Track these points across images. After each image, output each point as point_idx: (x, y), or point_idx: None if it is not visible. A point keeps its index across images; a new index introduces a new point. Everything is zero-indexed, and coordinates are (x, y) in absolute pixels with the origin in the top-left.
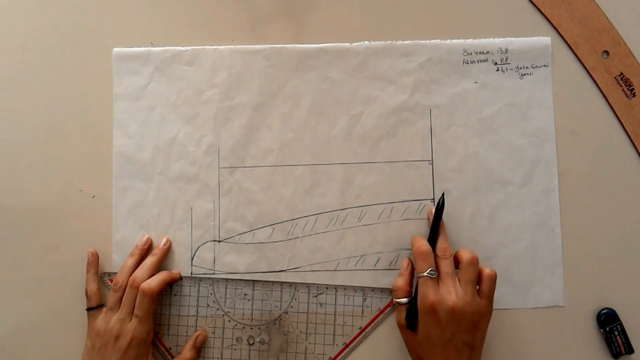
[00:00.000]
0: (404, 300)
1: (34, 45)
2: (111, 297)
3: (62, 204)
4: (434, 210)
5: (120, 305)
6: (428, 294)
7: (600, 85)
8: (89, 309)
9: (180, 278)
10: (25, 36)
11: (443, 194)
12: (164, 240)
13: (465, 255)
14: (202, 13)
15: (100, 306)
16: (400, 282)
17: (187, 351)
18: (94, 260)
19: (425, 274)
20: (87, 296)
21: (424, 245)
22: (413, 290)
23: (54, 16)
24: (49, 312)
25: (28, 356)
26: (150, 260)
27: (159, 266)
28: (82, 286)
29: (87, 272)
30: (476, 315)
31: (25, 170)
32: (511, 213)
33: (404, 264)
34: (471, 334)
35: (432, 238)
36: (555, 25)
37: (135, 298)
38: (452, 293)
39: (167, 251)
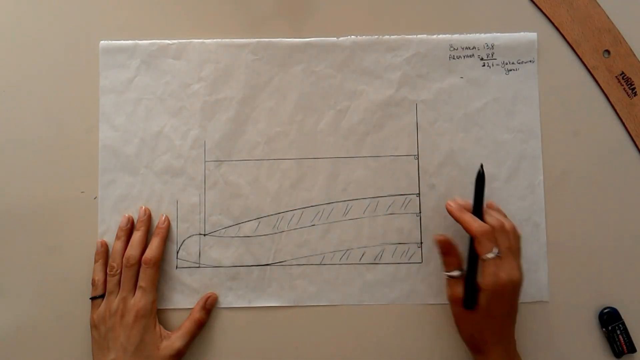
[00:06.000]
0: (457, 273)
1: (24, 40)
2: (109, 282)
3: (63, 206)
4: (474, 184)
5: (119, 288)
6: (499, 273)
7: (601, 85)
8: (93, 298)
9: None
10: (10, 30)
11: (481, 165)
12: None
13: (503, 223)
14: (190, 6)
15: (104, 295)
16: (451, 254)
17: (197, 312)
18: (104, 251)
19: (492, 254)
20: (93, 285)
21: (484, 225)
22: (465, 266)
23: (40, 8)
24: (52, 313)
25: (30, 357)
26: (137, 235)
27: (147, 236)
28: (85, 287)
29: (95, 262)
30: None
31: (26, 172)
32: None
33: (442, 238)
34: (518, 297)
35: (477, 211)
36: (556, 24)
37: (134, 276)
38: (515, 269)
39: (149, 221)
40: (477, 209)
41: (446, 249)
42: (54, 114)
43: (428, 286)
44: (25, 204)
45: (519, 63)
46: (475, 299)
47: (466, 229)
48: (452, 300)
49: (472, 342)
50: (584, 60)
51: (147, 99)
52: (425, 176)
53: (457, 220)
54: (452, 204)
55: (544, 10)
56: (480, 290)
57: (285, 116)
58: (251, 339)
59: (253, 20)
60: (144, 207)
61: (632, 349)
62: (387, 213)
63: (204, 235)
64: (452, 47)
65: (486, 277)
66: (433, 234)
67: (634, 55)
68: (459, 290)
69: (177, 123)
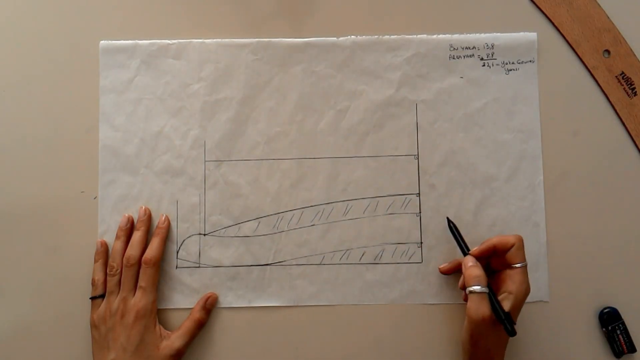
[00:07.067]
0: (485, 289)
1: (24, 40)
2: (109, 282)
3: (63, 206)
4: (452, 234)
5: (119, 288)
6: (528, 281)
7: (601, 84)
8: (93, 298)
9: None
10: (10, 30)
11: (447, 218)
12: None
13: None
14: (190, 6)
15: (104, 295)
16: (479, 270)
17: (197, 312)
18: (104, 251)
19: (525, 262)
20: (93, 285)
21: (517, 235)
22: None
23: (40, 8)
24: (52, 313)
25: (30, 357)
26: (137, 235)
27: (147, 236)
28: (85, 287)
29: (95, 261)
30: None
31: (26, 172)
32: (496, 208)
33: (445, 266)
34: None
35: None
36: (556, 24)
37: (134, 275)
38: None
39: (149, 221)
40: (466, 251)
41: (455, 269)
42: (54, 114)
43: (428, 286)
44: (25, 204)
45: (519, 63)
46: (511, 319)
47: (504, 244)
48: (479, 319)
49: (485, 356)
50: (584, 60)
51: (147, 99)
52: (425, 176)
53: (489, 247)
54: (473, 250)
55: (544, 10)
56: (511, 303)
57: (285, 116)
58: (251, 339)
59: (253, 20)
60: (144, 207)
61: (632, 349)
62: (387, 213)
63: (204, 235)
64: (452, 47)
65: (520, 285)
66: (433, 235)
67: (634, 55)
68: (486, 308)
69: (177, 123)
